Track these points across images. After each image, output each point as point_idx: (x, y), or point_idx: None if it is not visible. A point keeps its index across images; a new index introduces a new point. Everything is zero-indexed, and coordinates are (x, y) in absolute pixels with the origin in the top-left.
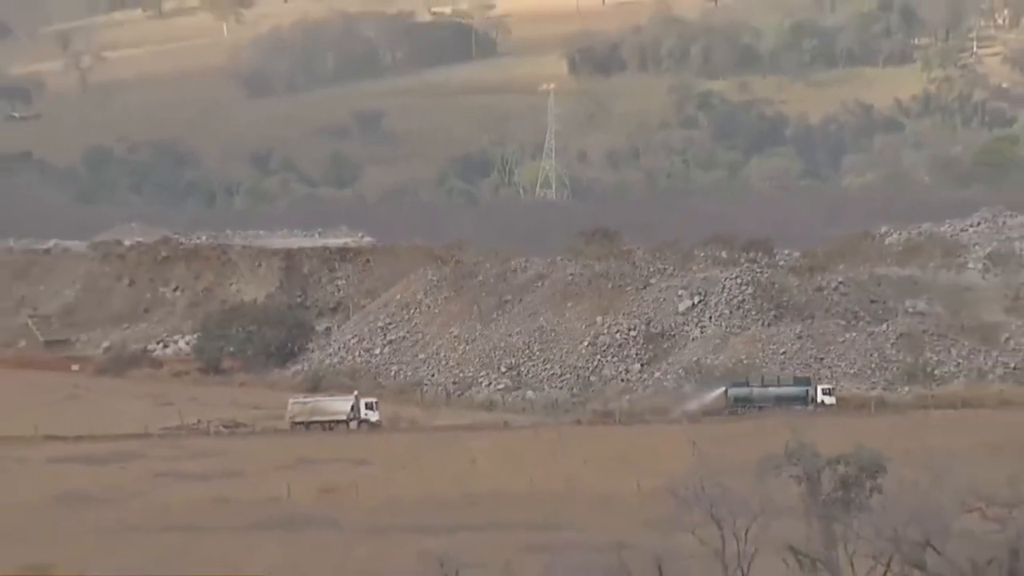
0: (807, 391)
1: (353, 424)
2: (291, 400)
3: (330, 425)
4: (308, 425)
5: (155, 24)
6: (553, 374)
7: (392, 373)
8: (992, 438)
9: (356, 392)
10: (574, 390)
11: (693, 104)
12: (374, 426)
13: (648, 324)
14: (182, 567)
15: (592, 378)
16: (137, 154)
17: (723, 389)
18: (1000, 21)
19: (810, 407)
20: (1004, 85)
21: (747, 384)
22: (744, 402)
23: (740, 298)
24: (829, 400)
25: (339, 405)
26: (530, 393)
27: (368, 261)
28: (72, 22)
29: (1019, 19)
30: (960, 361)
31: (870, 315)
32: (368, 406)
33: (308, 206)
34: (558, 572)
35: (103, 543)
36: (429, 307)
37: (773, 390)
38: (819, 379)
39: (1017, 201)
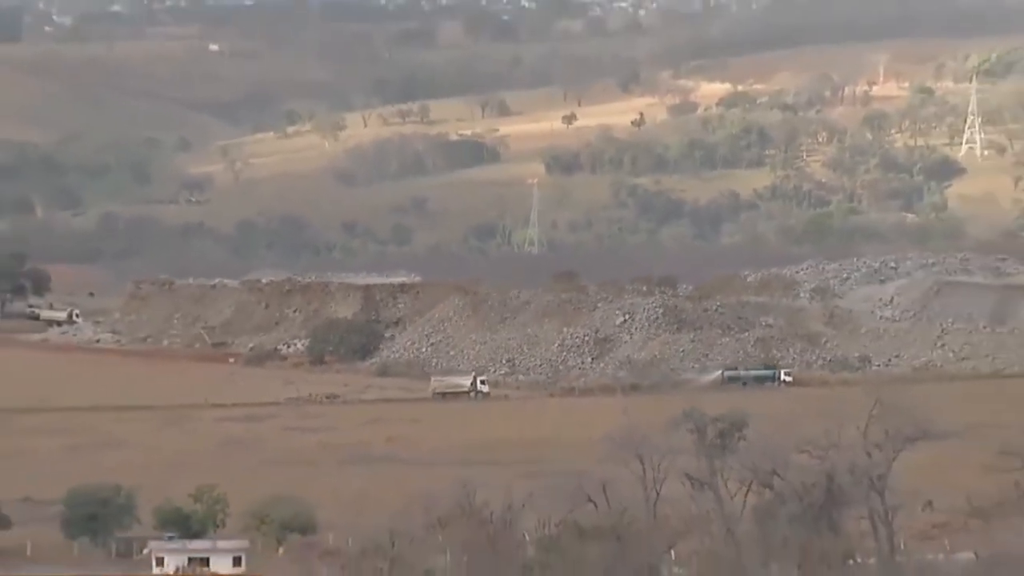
0: (774, 373)
1: (472, 394)
2: (433, 378)
3: (456, 394)
4: (444, 395)
5: (282, 141)
6: (536, 364)
7: (433, 364)
8: (815, 405)
9: (474, 373)
10: (549, 375)
11: (625, 192)
12: (485, 395)
13: (596, 332)
14: (302, 488)
15: (560, 367)
16: (271, 224)
17: (720, 372)
18: (820, 140)
19: (776, 384)
20: (823, 180)
21: (736, 369)
22: (735, 380)
23: (655, 316)
24: (788, 379)
25: (463, 380)
26: (521, 376)
27: (418, 292)
28: (229, 140)
29: (833, 138)
30: (795, 356)
31: (738, 327)
32: (481, 382)
33: (379, 257)
34: (540, 491)
35: (249, 472)
36: (456, 322)
37: (753, 372)
38: (707, 369)
39: (831, 255)
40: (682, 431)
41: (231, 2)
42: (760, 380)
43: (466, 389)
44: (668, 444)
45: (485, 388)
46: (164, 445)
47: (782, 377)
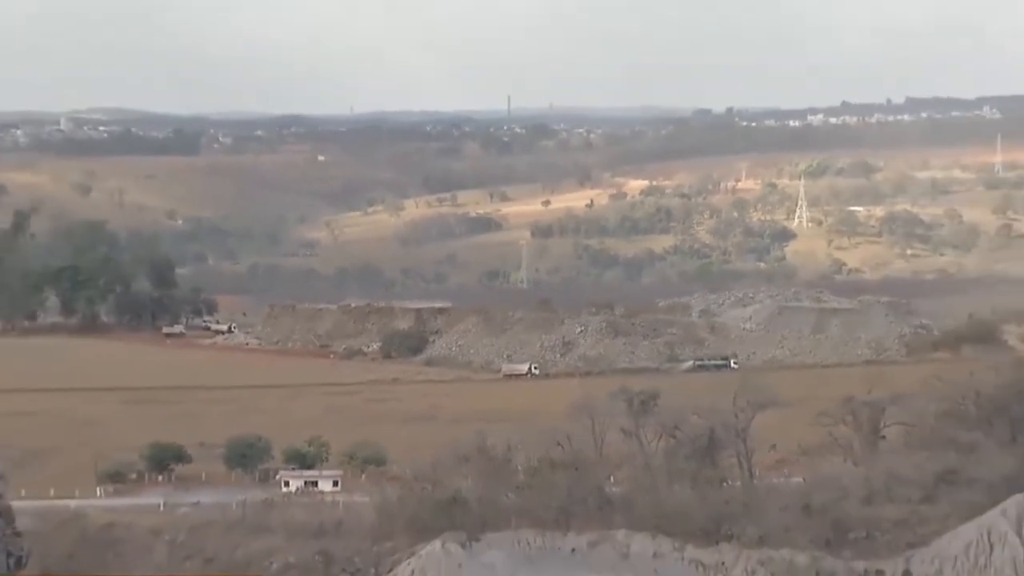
0: (728, 362)
1: (528, 375)
2: (504, 364)
3: (517, 376)
4: (511, 376)
5: (364, 217)
6: (525, 359)
7: (459, 358)
8: (703, 385)
9: (530, 363)
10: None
11: (581, 250)
12: (538, 376)
13: (563, 338)
14: (377, 437)
15: (540, 360)
16: (356, 269)
17: (692, 361)
18: (705, 216)
19: (727, 369)
20: (707, 242)
21: (703, 359)
22: (701, 367)
23: (600, 328)
24: (735, 366)
25: (523, 367)
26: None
27: (450, 313)
28: (331, 216)
29: (713, 216)
30: (689, 353)
31: (652, 335)
32: (535, 367)
33: (426, 291)
34: (527, 438)
35: (345, 428)
36: (474, 332)
37: (714, 361)
38: (632, 362)
39: (712, 289)
40: (617, 400)
41: (332, 129)
42: (718, 367)
43: (524, 372)
44: (608, 409)
45: (536, 371)
46: (289, 410)
47: (732, 364)
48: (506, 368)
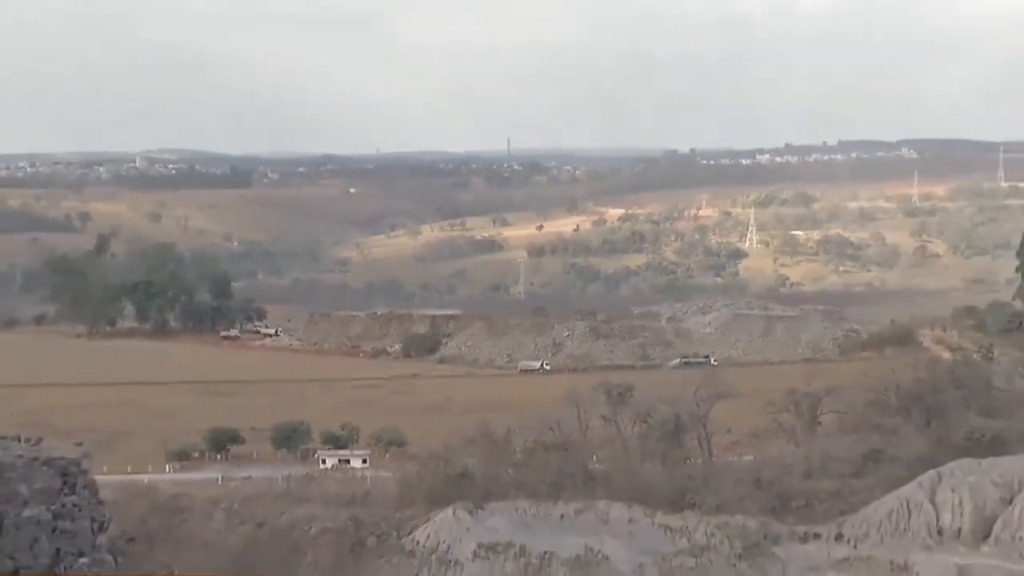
0: (708, 359)
1: (540, 371)
2: (521, 361)
3: (531, 371)
4: (525, 371)
5: (388, 240)
6: (522, 357)
7: (467, 357)
8: (671, 379)
9: (541, 360)
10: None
11: (569, 267)
12: (548, 372)
13: (554, 340)
14: (399, 423)
15: (534, 359)
16: (382, 283)
17: (679, 359)
18: (672, 239)
19: (707, 366)
20: (673, 260)
21: (689, 357)
22: (687, 364)
23: (585, 332)
24: (714, 362)
25: (536, 363)
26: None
27: (460, 319)
28: (361, 239)
29: (678, 238)
30: (658, 353)
31: (628, 337)
32: (546, 363)
33: (439, 301)
34: (524, 424)
35: (372, 415)
36: (480, 335)
37: (697, 359)
38: (611, 360)
39: (678, 299)
40: (599, 392)
41: (361, 166)
42: (700, 364)
43: (537, 368)
44: (592, 399)
45: (548, 367)
46: (325, 400)
47: (712, 361)
48: (522, 364)
